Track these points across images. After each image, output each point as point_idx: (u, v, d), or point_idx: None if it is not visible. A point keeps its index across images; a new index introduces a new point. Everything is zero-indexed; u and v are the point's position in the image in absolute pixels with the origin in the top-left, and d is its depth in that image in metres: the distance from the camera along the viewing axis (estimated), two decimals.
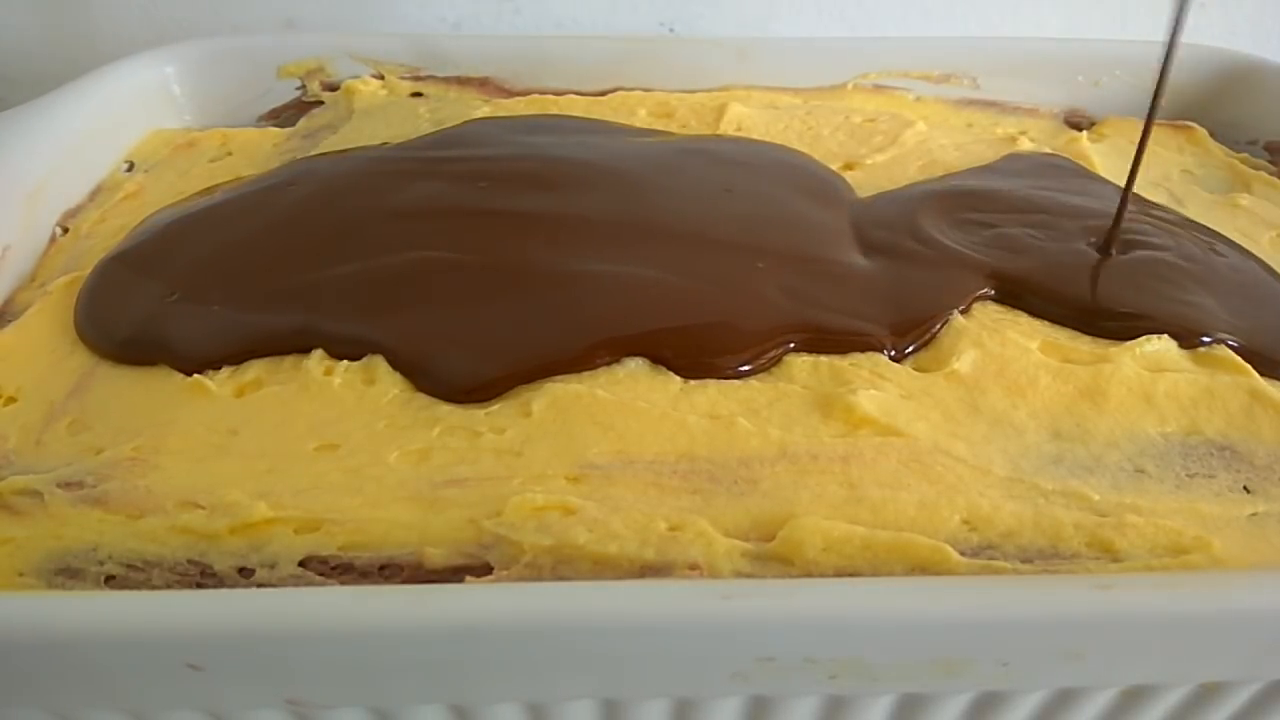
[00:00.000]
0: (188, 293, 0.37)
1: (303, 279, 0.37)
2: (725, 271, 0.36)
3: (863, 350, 0.34)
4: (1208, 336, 0.35)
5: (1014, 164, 0.46)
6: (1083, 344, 0.35)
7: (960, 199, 0.42)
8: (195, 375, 0.34)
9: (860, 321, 0.35)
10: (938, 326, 0.35)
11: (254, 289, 0.37)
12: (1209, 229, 0.42)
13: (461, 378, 0.32)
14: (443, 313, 0.35)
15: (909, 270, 0.37)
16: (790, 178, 0.44)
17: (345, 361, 0.34)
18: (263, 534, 0.29)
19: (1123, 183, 0.38)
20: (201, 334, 0.35)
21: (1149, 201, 0.44)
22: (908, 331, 0.35)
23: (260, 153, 0.49)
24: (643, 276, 0.36)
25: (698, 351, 0.33)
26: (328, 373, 0.33)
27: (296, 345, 0.34)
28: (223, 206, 0.42)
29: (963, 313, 0.36)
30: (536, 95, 0.53)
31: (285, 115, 0.54)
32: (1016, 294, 0.36)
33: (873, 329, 0.35)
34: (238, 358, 0.34)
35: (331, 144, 0.49)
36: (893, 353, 0.34)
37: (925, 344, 0.35)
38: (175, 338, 0.35)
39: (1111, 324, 0.35)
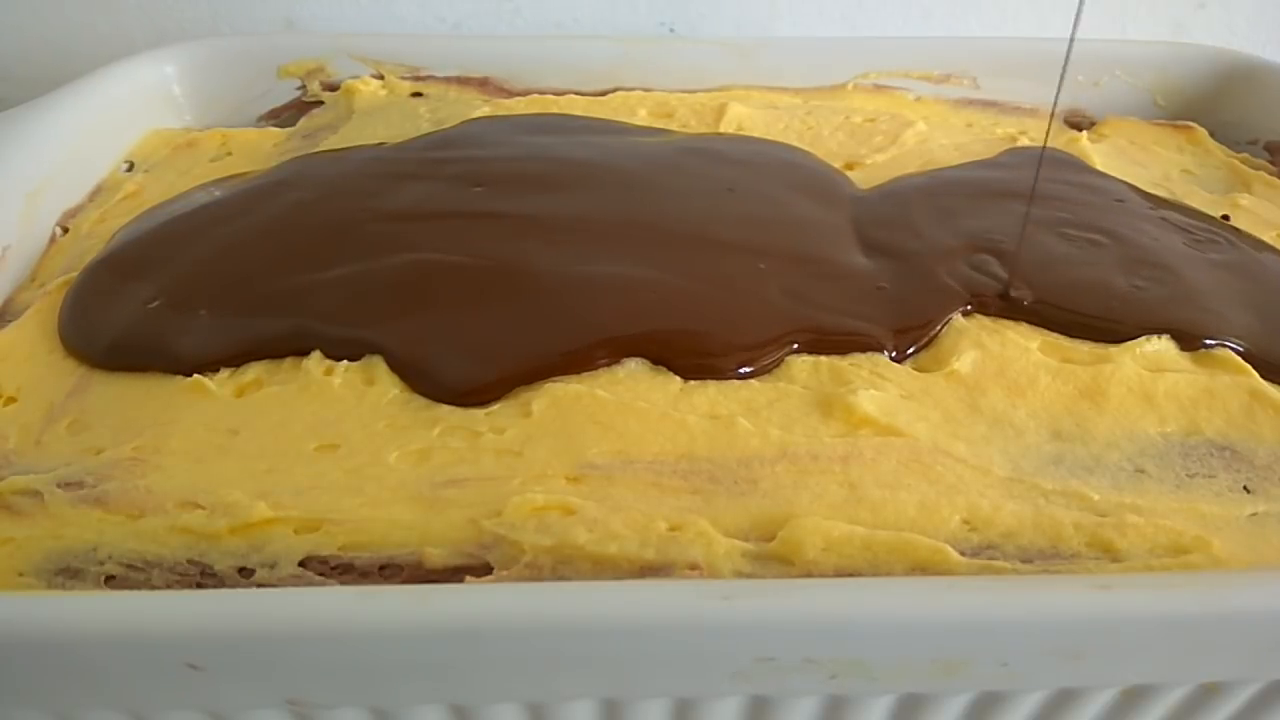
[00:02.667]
0: (173, 298, 0.36)
1: (294, 282, 0.36)
2: (727, 272, 0.36)
3: (863, 351, 0.34)
4: (1211, 340, 0.34)
5: (1015, 158, 0.46)
6: (1082, 344, 0.35)
7: (962, 196, 0.42)
8: (195, 375, 0.33)
9: (862, 323, 0.35)
10: (938, 328, 0.35)
11: (244, 293, 0.36)
12: (1224, 224, 0.42)
13: (460, 383, 0.32)
14: (440, 316, 0.34)
15: (910, 271, 0.37)
16: (792, 176, 0.44)
17: (345, 362, 0.34)
18: (263, 534, 0.29)
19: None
20: (189, 341, 0.34)
21: (1161, 199, 0.44)
22: (909, 333, 0.35)
23: (260, 153, 0.49)
24: (643, 278, 0.36)
25: (699, 355, 0.33)
26: (328, 373, 0.33)
27: (291, 350, 0.34)
28: (210, 208, 0.41)
29: (963, 314, 0.36)
30: (536, 95, 0.53)
31: (285, 115, 0.54)
32: (1013, 308, 0.36)
33: (874, 330, 0.34)
34: (229, 363, 0.34)
35: (331, 144, 0.48)
36: (893, 353, 0.34)
37: (926, 345, 0.35)
38: (160, 346, 0.34)
39: (1111, 333, 0.35)
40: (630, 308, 0.34)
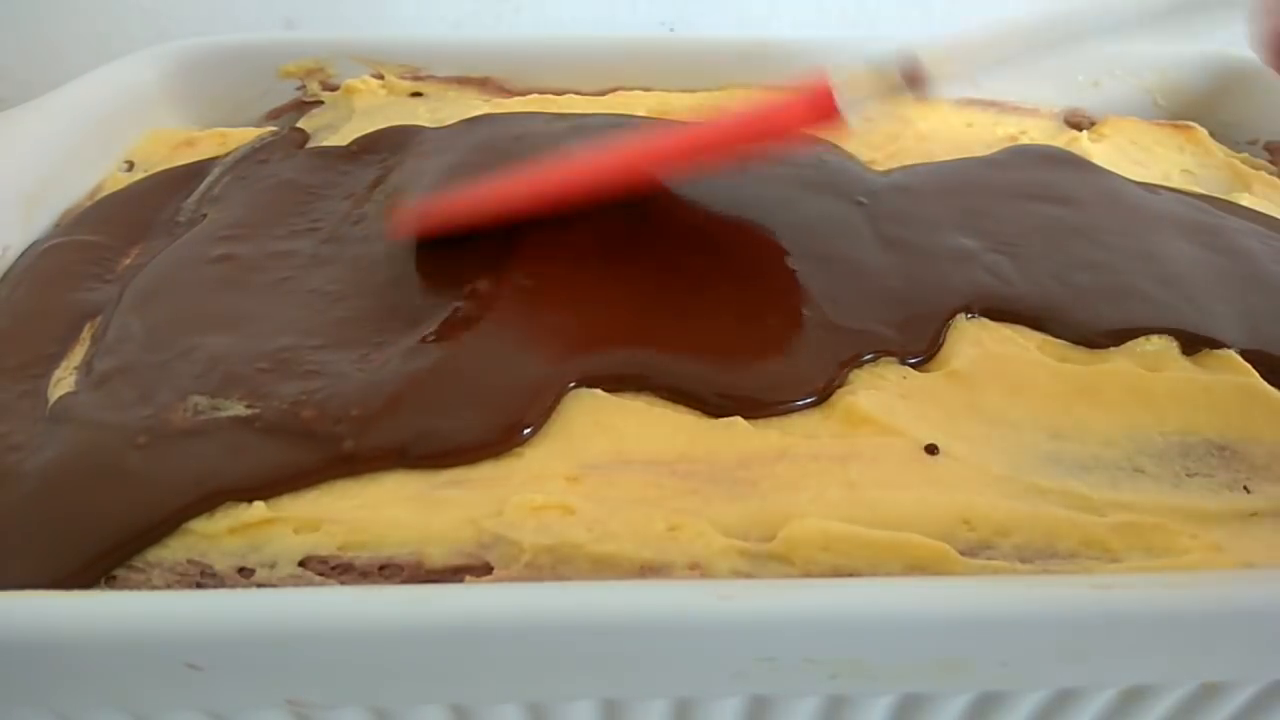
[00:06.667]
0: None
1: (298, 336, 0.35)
2: (734, 283, 0.36)
3: (867, 353, 0.34)
4: (1213, 342, 0.34)
5: (1015, 156, 0.46)
6: (1082, 344, 0.35)
7: (965, 194, 0.42)
8: None
9: (875, 327, 0.34)
10: (943, 331, 0.35)
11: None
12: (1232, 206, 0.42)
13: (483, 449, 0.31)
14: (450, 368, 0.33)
15: (912, 271, 0.37)
16: (801, 173, 0.43)
17: None
18: (262, 534, 0.29)
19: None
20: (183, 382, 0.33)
21: (1164, 189, 0.43)
22: (919, 337, 0.34)
23: None
24: (657, 304, 0.35)
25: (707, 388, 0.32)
26: None
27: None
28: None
29: (964, 314, 0.36)
30: (536, 95, 0.53)
31: (285, 115, 0.54)
32: (1015, 315, 0.36)
33: (885, 333, 0.34)
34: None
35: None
36: (897, 357, 0.34)
37: (929, 347, 0.35)
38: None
39: (1111, 333, 0.35)
40: (649, 343, 0.33)
